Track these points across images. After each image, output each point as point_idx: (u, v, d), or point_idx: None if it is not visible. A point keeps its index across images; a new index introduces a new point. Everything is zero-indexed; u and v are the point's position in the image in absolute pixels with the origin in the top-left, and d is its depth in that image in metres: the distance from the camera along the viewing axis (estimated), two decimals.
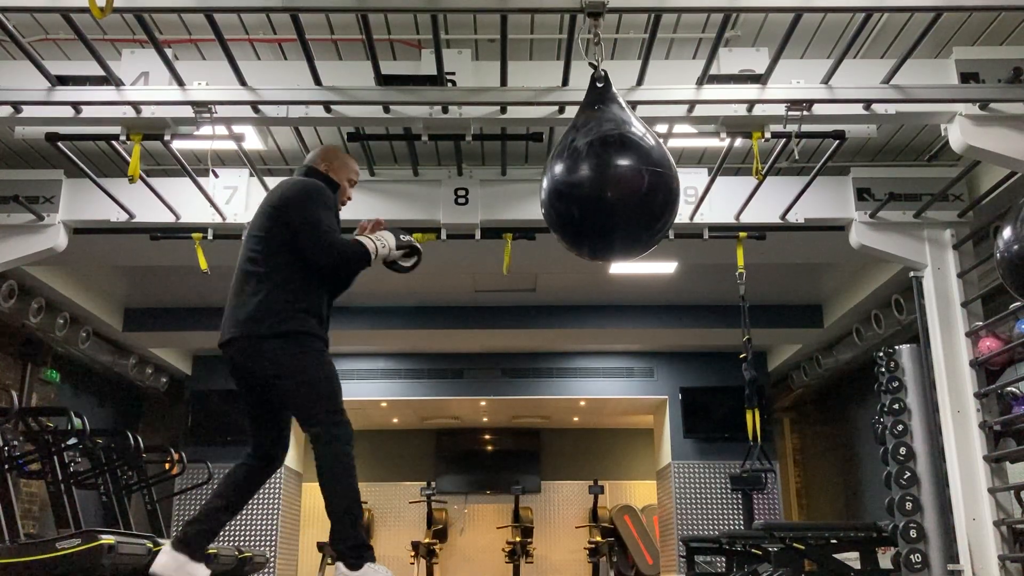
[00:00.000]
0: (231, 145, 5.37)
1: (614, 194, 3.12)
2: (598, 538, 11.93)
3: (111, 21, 4.58)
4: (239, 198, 6.09)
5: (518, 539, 11.61)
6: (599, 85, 3.41)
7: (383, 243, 3.38)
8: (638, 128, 3.26)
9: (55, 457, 5.98)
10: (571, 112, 4.73)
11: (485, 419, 12.84)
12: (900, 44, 4.89)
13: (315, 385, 3.20)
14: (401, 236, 3.46)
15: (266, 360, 3.20)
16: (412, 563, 12.00)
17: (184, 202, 6.00)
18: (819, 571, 5.81)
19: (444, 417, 12.61)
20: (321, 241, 3.24)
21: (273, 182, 6.09)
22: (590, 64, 3.47)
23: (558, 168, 3.21)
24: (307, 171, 3.55)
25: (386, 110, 4.80)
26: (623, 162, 3.14)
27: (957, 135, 4.84)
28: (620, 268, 7.95)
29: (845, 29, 4.85)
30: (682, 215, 6.02)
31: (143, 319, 9.29)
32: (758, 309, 7.92)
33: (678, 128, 5.31)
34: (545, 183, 3.25)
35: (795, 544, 5.70)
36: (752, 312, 6.23)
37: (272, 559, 9.88)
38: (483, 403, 11.44)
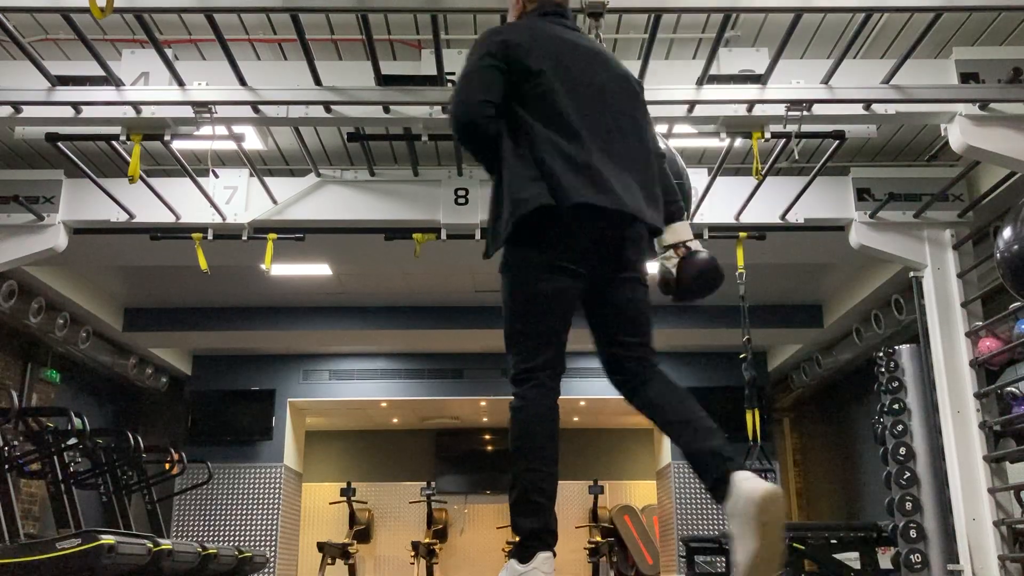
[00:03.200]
0: (231, 145, 5.37)
1: None
2: (598, 538, 11.92)
3: (111, 21, 4.58)
4: (239, 198, 6.09)
5: (518, 539, 11.60)
6: None
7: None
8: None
9: (55, 457, 5.98)
10: None
11: (485, 419, 12.83)
12: (900, 44, 4.89)
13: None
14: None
15: (645, 258, 2.50)
16: (412, 563, 12.00)
17: (184, 202, 6.00)
18: (819, 571, 5.82)
19: (444, 417, 12.61)
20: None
21: (273, 182, 6.10)
22: None
23: None
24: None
25: (386, 110, 4.81)
26: None
27: (957, 135, 4.84)
28: None
29: (845, 29, 4.85)
30: None
31: (143, 319, 9.28)
32: (758, 309, 7.92)
33: (678, 128, 5.31)
34: None
35: (795, 544, 5.70)
36: (752, 312, 6.22)
37: (272, 559, 9.88)
38: (483, 403, 11.44)
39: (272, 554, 9.92)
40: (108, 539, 4.67)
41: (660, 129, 5.28)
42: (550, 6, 2.62)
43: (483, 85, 2.40)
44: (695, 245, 2.58)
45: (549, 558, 2.26)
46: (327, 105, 4.74)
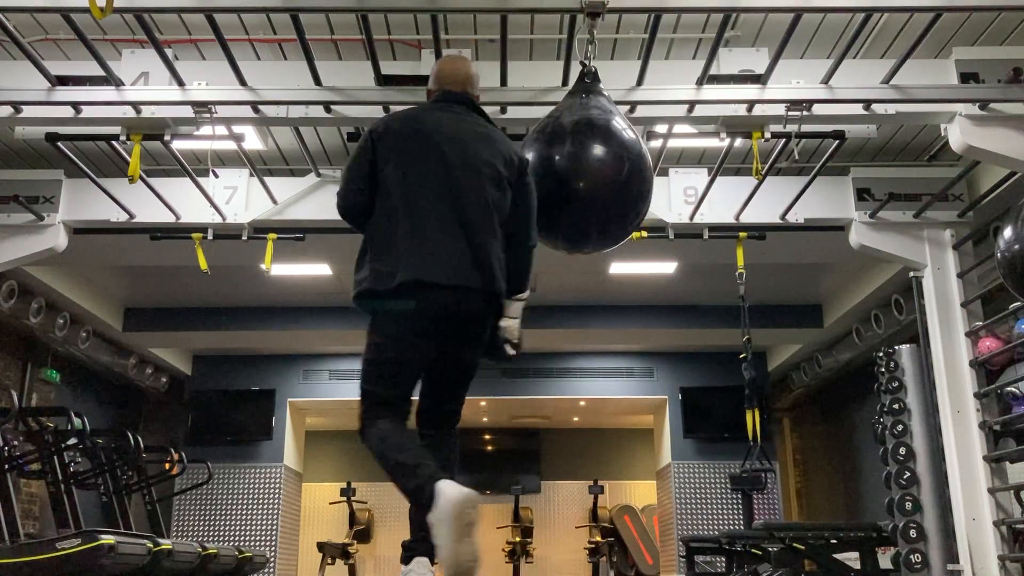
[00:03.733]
0: (231, 145, 5.37)
1: (589, 181, 3.20)
2: (598, 538, 11.93)
3: (111, 21, 4.57)
4: (239, 198, 6.09)
5: (518, 539, 11.60)
6: (587, 80, 3.49)
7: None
8: (620, 121, 3.33)
9: (55, 457, 5.99)
10: None
11: (485, 419, 12.84)
12: (900, 44, 4.89)
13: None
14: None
15: (482, 326, 2.85)
16: None
17: (184, 202, 6.00)
18: (819, 571, 5.82)
19: None
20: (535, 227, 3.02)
21: (273, 182, 6.10)
22: (580, 63, 3.54)
23: (538, 148, 3.30)
24: (476, 107, 3.12)
25: (386, 110, 4.80)
26: (599, 148, 3.21)
27: (957, 135, 4.84)
28: (620, 268, 7.95)
29: (845, 29, 4.85)
30: (682, 215, 6.03)
31: (143, 319, 9.28)
32: (758, 309, 7.92)
33: (678, 128, 5.31)
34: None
35: (795, 544, 5.70)
36: (752, 312, 6.22)
37: (272, 559, 9.88)
38: (483, 403, 11.43)
39: (272, 554, 9.92)
40: (108, 539, 4.68)
41: (660, 129, 5.29)
42: (445, 95, 3.06)
43: (356, 175, 2.87)
44: (505, 323, 2.93)
45: (449, 483, 2.46)
46: (327, 105, 4.74)
